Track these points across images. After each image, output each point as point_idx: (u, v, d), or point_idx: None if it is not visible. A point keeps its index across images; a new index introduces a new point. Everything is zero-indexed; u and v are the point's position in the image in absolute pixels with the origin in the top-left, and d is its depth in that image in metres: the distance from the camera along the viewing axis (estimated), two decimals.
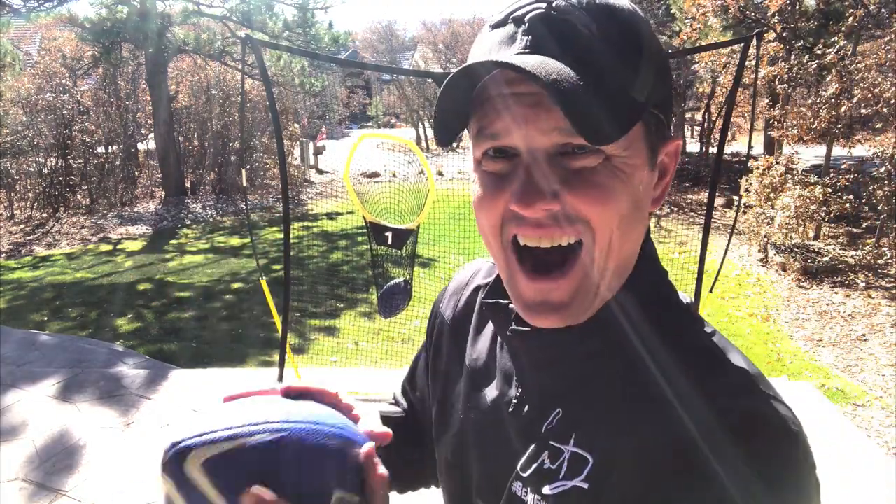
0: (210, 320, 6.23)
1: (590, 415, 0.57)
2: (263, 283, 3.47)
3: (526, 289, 0.55)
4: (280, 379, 3.46)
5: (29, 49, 15.96)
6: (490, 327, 0.72)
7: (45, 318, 6.25)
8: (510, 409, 0.64)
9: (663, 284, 0.62)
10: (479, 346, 0.72)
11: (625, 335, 0.57)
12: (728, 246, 3.75)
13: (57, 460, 3.37)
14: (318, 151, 16.67)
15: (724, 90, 11.77)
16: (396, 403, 0.96)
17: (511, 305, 0.61)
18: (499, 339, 0.69)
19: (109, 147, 12.86)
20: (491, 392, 0.67)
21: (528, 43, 0.51)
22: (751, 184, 7.95)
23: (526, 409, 0.62)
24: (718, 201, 10.59)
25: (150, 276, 7.83)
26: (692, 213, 11.40)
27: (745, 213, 8.11)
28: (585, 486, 0.54)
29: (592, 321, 0.57)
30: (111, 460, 3.38)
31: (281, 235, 10.02)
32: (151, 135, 13.57)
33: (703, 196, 11.74)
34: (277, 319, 3.57)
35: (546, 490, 0.57)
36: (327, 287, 7.15)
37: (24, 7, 11.67)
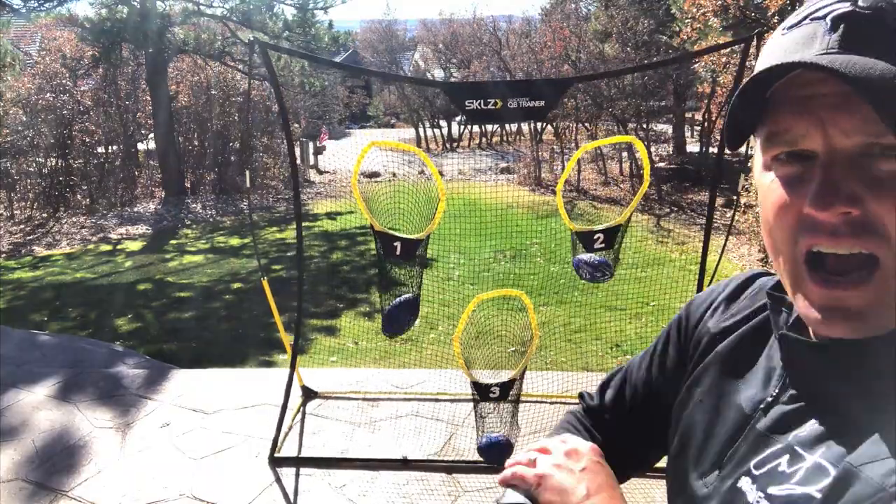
0: (210, 320, 6.23)
1: (846, 432, 0.52)
2: (265, 283, 3.47)
3: (817, 295, 0.51)
4: (290, 380, 3.46)
5: (29, 49, 15.95)
6: (758, 323, 0.69)
7: (45, 318, 6.25)
8: (761, 406, 0.61)
9: None
10: (743, 340, 0.69)
11: None
12: (725, 245, 3.75)
13: (57, 460, 3.37)
14: (318, 151, 16.67)
15: (724, 90, 11.77)
16: (591, 408, 0.91)
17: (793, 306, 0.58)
18: (763, 363, 0.65)
19: (109, 147, 12.87)
20: (746, 385, 0.64)
21: (833, 42, 0.48)
22: (751, 184, 7.95)
23: (780, 410, 0.59)
24: (719, 201, 10.57)
25: (150, 276, 7.83)
26: (692, 214, 11.40)
27: (745, 213, 8.11)
28: (819, 495, 0.50)
29: (879, 341, 0.51)
30: (111, 460, 3.37)
31: (281, 235, 10.03)
32: (151, 135, 13.58)
33: (704, 196, 11.73)
34: (278, 319, 3.57)
35: (773, 490, 0.54)
36: (327, 287, 7.15)
37: (24, 7, 11.69)
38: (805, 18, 0.52)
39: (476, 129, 20.82)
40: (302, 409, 3.82)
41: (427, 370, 4.50)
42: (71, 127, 11.83)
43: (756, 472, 0.57)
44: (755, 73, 0.50)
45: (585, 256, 3.26)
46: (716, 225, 9.60)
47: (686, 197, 12.51)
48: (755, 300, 0.72)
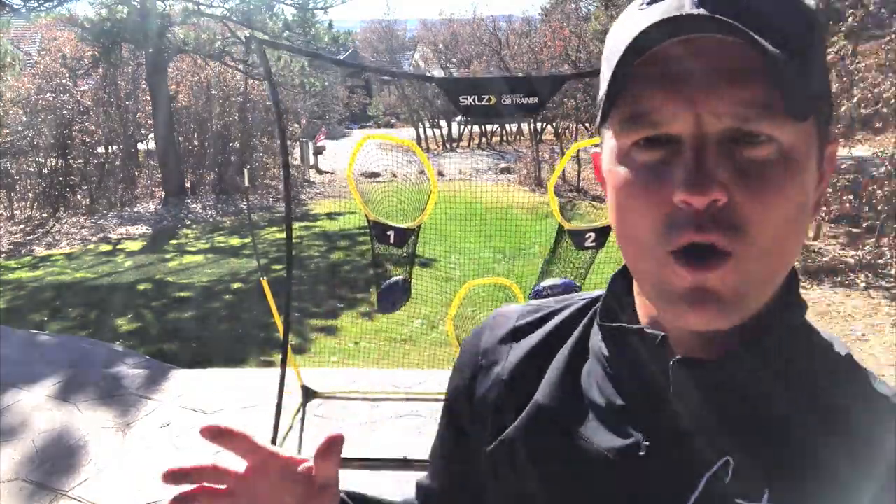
0: (210, 320, 6.23)
1: (777, 464, 0.48)
2: (264, 282, 3.47)
3: (684, 280, 0.46)
4: (282, 381, 3.46)
5: (29, 49, 15.97)
6: (562, 364, 0.61)
7: (45, 318, 6.25)
8: (640, 454, 0.52)
9: (803, 312, 0.55)
10: (555, 386, 0.60)
11: (800, 372, 0.51)
12: None
13: (57, 460, 3.37)
14: (318, 151, 16.67)
15: None
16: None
17: (646, 329, 0.53)
18: (595, 374, 0.58)
19: (109, 147, 12.87)
20: (594, 436, 0.55)
21: (703, 7, 0.44)
22: None
23: (669, 455, 0.51)
24: None
25: (150, 276, 7.83)
26: None
27: None
28: None
29: (758, 348, 0.50)
30: (111, 460, 3.38)
31: (281, 235, 10.03)
32: (151, 135, 13.58)
33: None
34: (278, 319, 3.57)
35: None
36: (327, 287, 7.15)
37: (24, 7, 11.68)
38: None
39: (476, 129, 20.83)
40: (302, 409, 3.82)
41: (427, 370, 4.50)
42: (71, 127, 11.83)
43: None
44: (634, 37, 0.43)
45: (548, 282, 3.30)
46: None
47: None
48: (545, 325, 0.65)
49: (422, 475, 0.77)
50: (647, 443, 0.52)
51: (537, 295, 3.33)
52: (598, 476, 0.54)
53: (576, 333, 0.62)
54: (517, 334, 0.66)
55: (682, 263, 0.46)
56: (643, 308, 0.56)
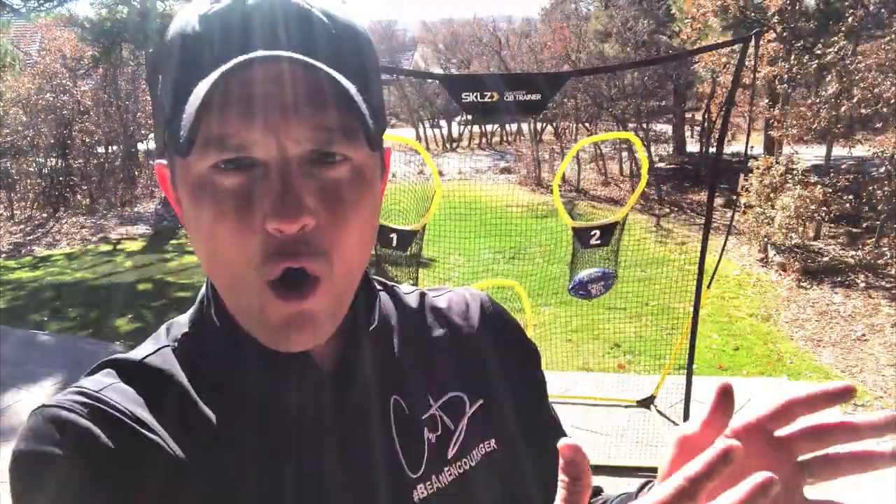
0: None
1: (421, 379, 0.62)
2: None
3: (282, 308, 0.48)
4: None
5: (29, 49, 15.96)
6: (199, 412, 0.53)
7: (45, 318, 6.26)
8: (342, 437, 0.56)
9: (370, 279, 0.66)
10: (219, 433, 0.53)
11: (392, 317, 0.65)
12: (724, 245, 3.75)
13: None
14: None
15: (724, 90, 11.77)
16: None
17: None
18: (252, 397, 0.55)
19: (109, 147, 12.87)
20: (292, 457, 0.54)
21: (275, 40, 0.46)
22: (751, 184, 7.95)
23: (361, 431, 0.57)
24: (718, 201, 10.59)
25: (150, 276, 7.83)
26: (692, 214, 11.41)
27: (745, 213, 8.12)
28: (478, 402, 0.64)
29: (355, 333, 0.59)
30: None
31: None
32: (151, 135, 13.57)
33: (704, 196, 11.74)
34: None
35: (451, 453, 0.60)
36: None
37: (24, 7, 11.69)
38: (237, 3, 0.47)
39: (476, 128, 20.84)
40: None
41: None
42: (71, 127, 11.83)
43: (417, 474, 0.58)
44: (239, 60, 0.43)
45: (583, 275, 3.33)
46: (715, 225, 9.62)
47: (686, 197, 12.52)
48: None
49: None
50: (341, 428, 0.57)
51: (579, 286, 3.38)
52: (309, 455, 0.55)
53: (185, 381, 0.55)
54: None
55: (278, 294, 0.47)
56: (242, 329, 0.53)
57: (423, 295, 0.70)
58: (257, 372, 0.55)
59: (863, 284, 6.88)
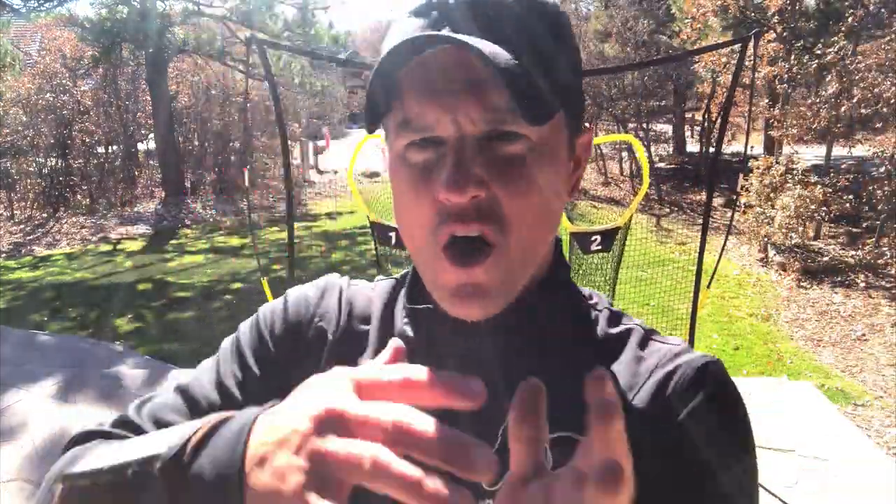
0: (210, 320, 6.23)
1: (554, 401, 0.55)
2: (264, 283, 3.47)
3: (451, 276, 0.53)
4: None
5: (29, 49, 15.95)
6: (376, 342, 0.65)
7: (45, 318, 6.25)
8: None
9: (567, 274, 0.65)
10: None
11: (563, 324, 0.61)
12: (724, 245, 3.75)
13: (57, 460, 3.37)
14: (318, 151, 16.67)
15: (723, 90, 11.77)
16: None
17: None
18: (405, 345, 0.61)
19: (109, 147, 12.87)
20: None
21: (455, 28, 0.50)
22: (751, 184, 7.95)
23: (472, 417, 0.55)
24: (718, 201, 10.58)
25: (150, 276, 7.83)
26: (692, 214, 11.41)
27: (745, 213, 8.12)
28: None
29: (532, 314, 0.59)
30: None
31: (281, 235, 10.03)
32: (151, 135, 13.58)
33: (703, 196, 11.73)
34: None
35: None
36: None
37: (24, 7, 11.69)
38: (431, 3, 0.52)
39: None
40: None
41: None
42: (71, 127, 11.83)
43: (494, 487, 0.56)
44: (386, 54, 0.50)
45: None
46: (716, 225, 9.61)
47: (686, 197, 12.52)
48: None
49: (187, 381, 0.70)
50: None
51: None
52: None
53: (379, 312, 0.67)
54: (348, 305, 0.70)
55: (450, 260, 0.52)
56: None
57: (630, 330, 0.63)
58: (409, 317, 0.63)
59: (863, 284, 6.88)
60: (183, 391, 0.67)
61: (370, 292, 0.71)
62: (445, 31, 0.50)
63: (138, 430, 0.62)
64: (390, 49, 0.49)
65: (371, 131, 0.54)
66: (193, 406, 0.66)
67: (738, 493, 0.56)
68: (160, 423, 0.63)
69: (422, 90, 0.51)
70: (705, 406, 0.56)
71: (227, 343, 0.69)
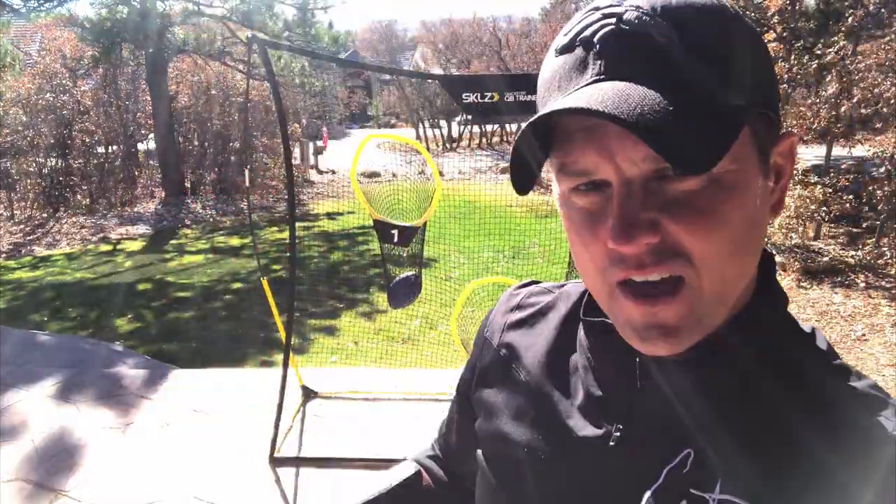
0: (210, 320, 6.23)
1: (732, 457, 0.50)
2: (264, 282, 3.47)
3: (633, 312, 0.49)
4: (283, 380, 3.46)
5: (29, 49, 15.95)
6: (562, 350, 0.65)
7: (45, 318, 6.25)
8: (611, 444, 0.56)
9: (783, 308, 0.56)
10: (542, 365, 0.65)
11: (762, 370, 0.52)
12: None
13: (57, 460, 3.37)
14: (318, 151, 16.68)
15: None
16: (434, 457, 0.89)
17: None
18: (579, 363, 0.62)
19: (109, 147, 12.87)
20: (573, 423, 0.59)
21: (602, 68, 0.47)
22: None
23: (637, 446, 0.54)
24: None
25: (150, 276, 7.83)
26: None
27: None
28: None
29: (722, 352, 0.52)
30: (111, 460, 3.37)
31: (281, 235, 10.02)
32: (151, 135, 13.57)
33: None
34: (278, 320, 3.57)
35: None
36: (327, 287, 7.15)
37: (24, 7, 11.68)
38: (574, 40, 0.49)
39: (476, 129, 20.85)
40: (302, 409, 3.82)
41: (427, 370, 4.50)
42: (71, 127, 11.82)
43: None
44: (536, 116, 0.47)
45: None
46: None
47: None
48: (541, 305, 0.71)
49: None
50: (618, 433, 0.56)
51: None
52: (570, 460, 0.58)
53: (559, 319, 0.68)
54: (518, 309, 0.72)
55: (628, 296, 0.49)
56: None
57: (845, 372, 0.54)
58: (587, 329, 0.62)
59: (863, 284, 6.87)
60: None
61: (547, 296, 0.72)
62: (594, 70, 0.47)
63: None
64: (534, 119, 0.47)
65: (522, 194, 0.53)
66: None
67: None
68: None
69: (576, 134, 0.48)
70: None
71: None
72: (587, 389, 0.60)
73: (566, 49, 0.50)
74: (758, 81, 0.49)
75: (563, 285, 0.72)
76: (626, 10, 0.47)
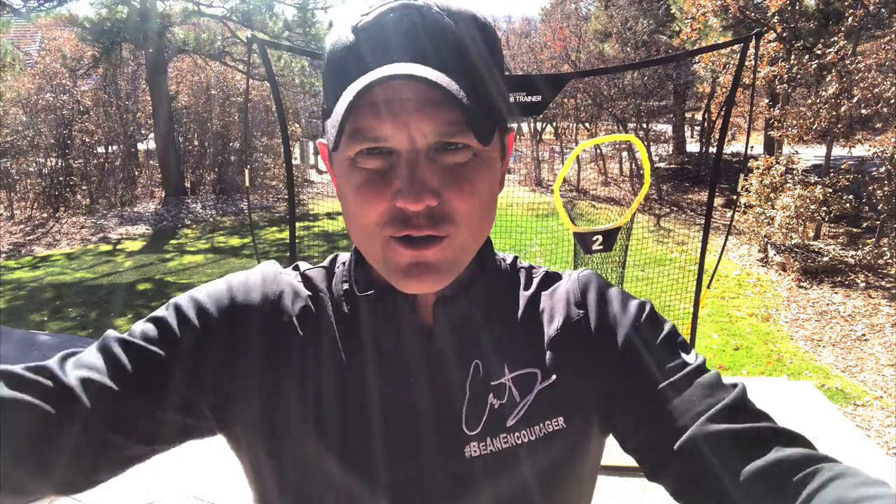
0: None
1: (504, 348, 0.67)
2: None
3: (404, 256, 0.58)
4: None
5: (29, 49, 15.96)
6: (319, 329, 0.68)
7: (45, 318, 6.26)
8: (417, 385, 0.65)
9: (493, 250, 0.75)
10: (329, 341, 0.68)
11: (497, 290, 0.71)
12: (724, 245, 3.75)
13: None
14: (318, 151, 16.68)
15: (724, 90, 11.77)
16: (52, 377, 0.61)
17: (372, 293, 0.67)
18: (365, 335, 0.67)
19: (109, 147, 12.88)
20: (377, 378, 0.65)
21: (407, 50, 0.55)
22: (751, 184, 7.95)
23: (440, 381, 0.65)
24: (718, 201, 10.59)
25: (150, 276, 7.83)
26: (692, 213, 11.41)
27: (745, 213, 8.12)
28: (551, 379, 0.66)
29: (472, 287, 0.68)
30: None
31: (281, 235, 10.03)
32: (151, 135, 13.58)
33: (704, 196, 11.73)
34: None
35: (510, 422, 0.64)
36: None
37: (24, 7, 11.67)
38: (378, 22, 0.56)
39: None
40: None
41: None
42: (71, 127, 11.83)
43: (474, 432, 0.64)
44: (367, 82, 0.52)
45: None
46: (716, 225, 9.61)
47: (686, 197, 12.52)
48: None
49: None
50: (422, 379, 0.65)
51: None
52: (390, 386, 0.65)
53: (311, 300, 0.71)
54: (309, 298, 0.72)
55: (401, 244, 0.57)
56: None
57: (529, 269, 0.76)
58: (370, 301, 0.67)
59: (863, 284, 6.88)
60: (104, 349, 0.66)
61: (295, 281, 0.73)
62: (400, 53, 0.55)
63: (54, 379, 0.60)
64: (358, 89, 0.53)
65: (334, 150, 0.57)
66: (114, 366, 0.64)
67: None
68: (84, 382, 0.61)
69: (375, 105, 0.55)
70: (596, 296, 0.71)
71: (160, 310, 0.72)
72: (383, 352, 0.66)
73: (369, 30, 0.56)
74: (503, 84, 0.62)
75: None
76: (424, 5, 0.56)
